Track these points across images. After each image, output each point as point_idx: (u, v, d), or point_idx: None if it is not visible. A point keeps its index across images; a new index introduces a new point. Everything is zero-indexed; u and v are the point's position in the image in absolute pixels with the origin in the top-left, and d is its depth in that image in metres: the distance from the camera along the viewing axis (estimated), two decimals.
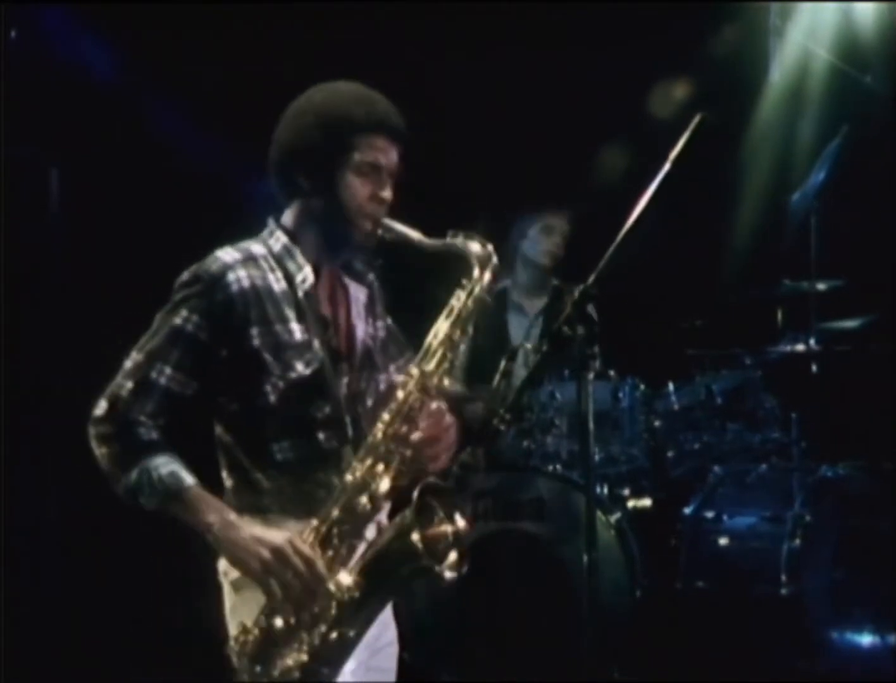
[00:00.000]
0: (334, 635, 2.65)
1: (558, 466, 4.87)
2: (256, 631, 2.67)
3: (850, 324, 5.08)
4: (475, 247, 2.84)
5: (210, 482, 2.77)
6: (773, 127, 5.81)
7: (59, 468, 5.00)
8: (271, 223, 2.89)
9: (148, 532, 3.57)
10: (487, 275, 2.83)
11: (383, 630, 2.89)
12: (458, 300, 2.82)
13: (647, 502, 5.05)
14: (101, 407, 2.76)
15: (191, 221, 5.04)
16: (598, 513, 4.56)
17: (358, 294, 2.95)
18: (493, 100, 5.68)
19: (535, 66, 5.66)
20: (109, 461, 2.73)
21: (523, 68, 5.66)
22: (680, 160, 2.79)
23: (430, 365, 2.77)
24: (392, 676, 2.94)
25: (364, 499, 2.71)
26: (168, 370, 2.74)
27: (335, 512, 2.70)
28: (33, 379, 5.04)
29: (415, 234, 2.85)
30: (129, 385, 2.74)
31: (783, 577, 4.55)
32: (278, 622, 2.66)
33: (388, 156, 2.84)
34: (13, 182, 4.97)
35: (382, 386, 2.92)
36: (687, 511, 4.91)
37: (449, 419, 2.81)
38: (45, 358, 5.10)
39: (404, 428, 2.74)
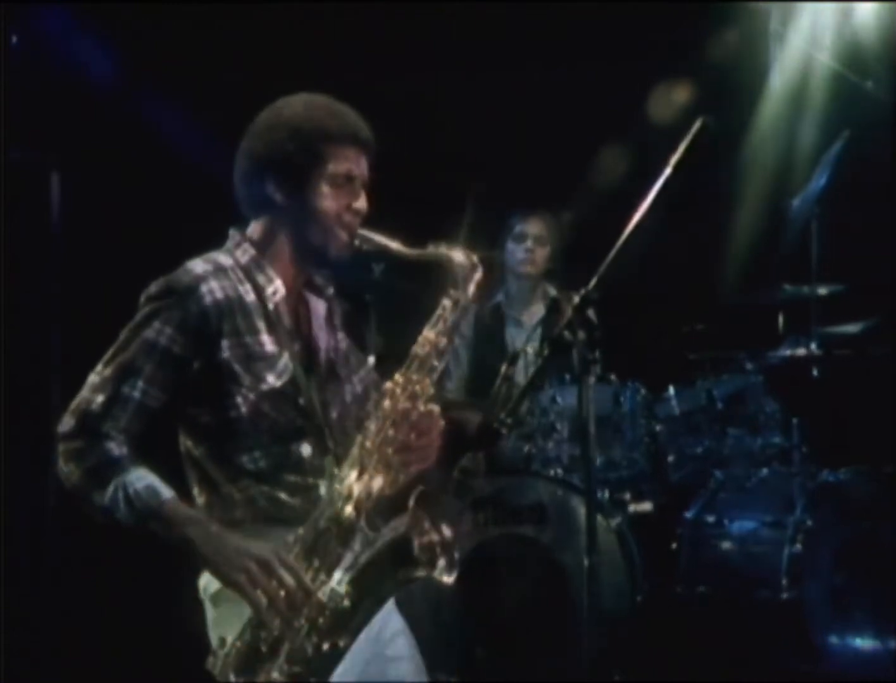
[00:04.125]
0: (327, 646, 2.63)
1: (559, 470, 4.87)
2: (239, 644, 2.64)
3: (851, 328, 5.08)
4: (458, 256, 2.84)
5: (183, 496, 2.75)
6: (774, 131, 5.81)
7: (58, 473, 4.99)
8: (236, 235, 2.88)
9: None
10: (472, 285, 2.84)
11: (387, 621, 2.85)
12: (444, 309, 2.83)
13: (647, 506, 5.04)
14: (67, 424, 2.71)
15: (192, 224, 5.04)
16: (599, 518, 4.56)
17: (318, 306, 2.95)
18: (491, 102, 5.68)
19: (532, 68, 5.66)
20: (81, 478, 2.67)
21: (520, 71, 5.66)
22: (681, 165, 2.79)
23: (417, 373, 2.78)
24: (417, 659, 2.89)
25: (349, 509, 2.70)
26: (141, 384, 2.70)
27: (321, 522, 2.69)
28: (34, 383, 5.04)
29: (393, 244, 2.86)
30: (100, 399, 2.69)
31: (784, 582, 4.55)
32: (265, 634, 2.62)
33: (361, 166, 2.85)
34: (14, 186, 4.97)
35: (348, 398, 2.92)
36: (688, 515, 4.92)
37: (438, 422, 2.81)
38: (45, 362, 5.11)
39: (391, 436, 2.74)
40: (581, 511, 4.55)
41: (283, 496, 2.76)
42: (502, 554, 4.71)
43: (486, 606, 4.65)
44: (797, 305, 5.10)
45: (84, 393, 2.73)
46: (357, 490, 2.71)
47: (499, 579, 4.67)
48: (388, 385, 2.79)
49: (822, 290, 4.99)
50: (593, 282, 2.88)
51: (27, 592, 5.01)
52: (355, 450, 2.74)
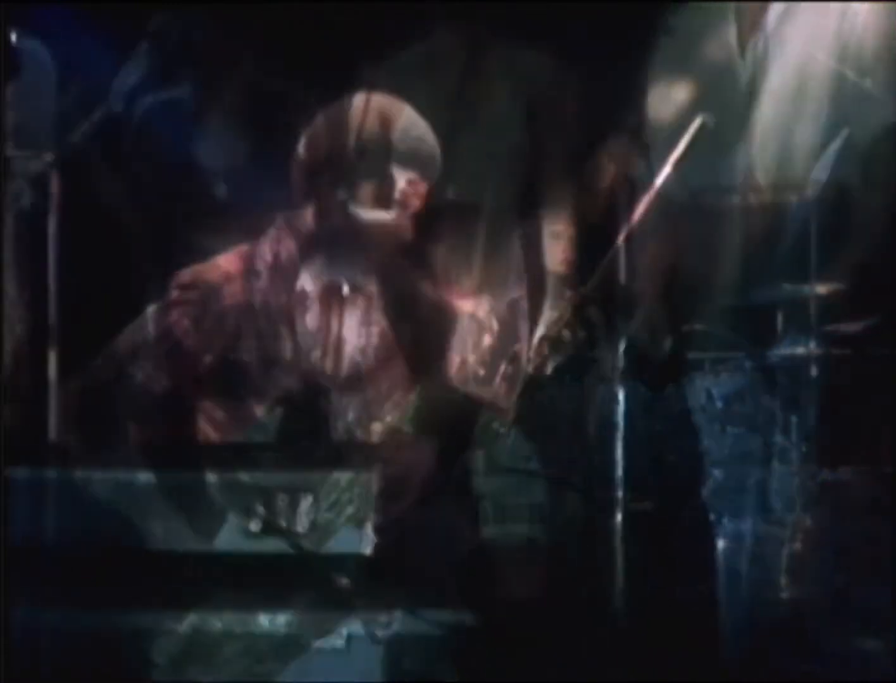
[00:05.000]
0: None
1: (558, 470, 4.87)
2: (179, 633, 2.65)
3: (850, 327, 5.08)
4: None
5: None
6: (774, 131, 5.80)
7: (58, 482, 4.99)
8: (281, 223, 2.85)
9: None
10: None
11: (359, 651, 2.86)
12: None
13: (646, 506, 5.04)
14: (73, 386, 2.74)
15: (192, 225, 5.03)
16: (599, 517, 4.56)
17: (353, 302, 2.92)
18: (487, 101, 5.66)
19: (529, 66, 5.64)
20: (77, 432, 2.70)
21: (516, 69, 5.64)
22: (680, 163, 2.80)
23: (409, 425, 2.78)
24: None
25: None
26: (149, 367, 2.72)
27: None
28: (32, 384, 5.03)
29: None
30: (107, 373, 2.72)
31: (784, 581, 4.55)
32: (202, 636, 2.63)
33: (418, 192, 2.80)
34: (13, 186, 4.97)
35: (370, 395, 2.91)
36: (688, 515, 4.92)
37: (422, 464, 2.81)
38: (44, 362, 5.10)
39: (373, 477, 2.74)
40: (580, 511, 4.55)
41: None
42: (502, 554, 4.71)
43: (485, 606, 4.65)
44: (797, 304, 5.10)
45: (97, 362, 2.75)
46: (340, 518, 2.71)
47: (498, 579, 4.67)
48: (380, 427, 2.79)
49: (822, 290, 5.00)
50: (593, 281, 2.89)
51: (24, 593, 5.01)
52: (334, 479, 2.73)
